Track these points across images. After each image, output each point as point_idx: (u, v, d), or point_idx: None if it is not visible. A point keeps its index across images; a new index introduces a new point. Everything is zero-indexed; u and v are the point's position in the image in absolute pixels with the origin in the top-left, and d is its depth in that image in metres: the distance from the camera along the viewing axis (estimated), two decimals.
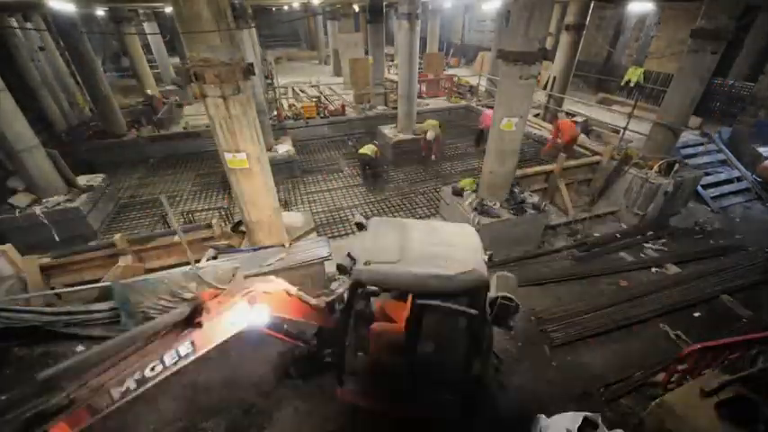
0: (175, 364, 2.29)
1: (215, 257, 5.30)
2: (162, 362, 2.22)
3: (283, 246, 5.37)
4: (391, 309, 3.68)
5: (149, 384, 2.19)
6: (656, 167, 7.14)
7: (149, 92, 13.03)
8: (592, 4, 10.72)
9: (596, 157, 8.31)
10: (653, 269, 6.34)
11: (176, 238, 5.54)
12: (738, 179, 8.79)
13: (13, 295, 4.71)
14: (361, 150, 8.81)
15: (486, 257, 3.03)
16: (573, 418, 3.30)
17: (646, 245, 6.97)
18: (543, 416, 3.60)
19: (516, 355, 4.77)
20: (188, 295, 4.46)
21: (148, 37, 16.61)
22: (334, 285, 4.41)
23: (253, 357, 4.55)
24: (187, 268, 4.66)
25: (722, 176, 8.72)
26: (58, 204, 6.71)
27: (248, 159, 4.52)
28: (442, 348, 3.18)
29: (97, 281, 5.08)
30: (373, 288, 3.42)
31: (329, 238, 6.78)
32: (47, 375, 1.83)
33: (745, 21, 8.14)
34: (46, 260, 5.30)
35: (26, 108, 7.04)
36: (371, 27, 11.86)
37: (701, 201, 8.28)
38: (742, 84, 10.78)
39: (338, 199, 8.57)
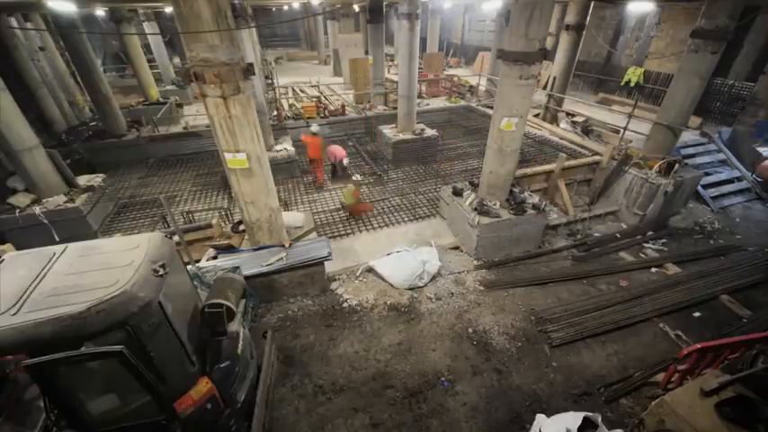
0: None
1: (215, 257, 5.31)
2: None
3: (283, 246, 5.38)
4: None
5: None
6: (656, 167, 7.15)
7: None
8: (592, 4, 10.73)
9: (596, 157, 8.32)
10: (653, 269, 6.34)
11: (176, 238, 5.54)
12: (738, 179, 8.80)
13: None
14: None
15: (158, 267, 2.55)
16: (573, 418, 3.30)
17: (646, 245, 6.97)
18: (543, 416, 3.61)
19: (516, 354, 4.77)
20: None
21: (148, 37, 16.62)
22: None
23: None
24: (187, 268, 4.65)
25: (722, 176, 8.73)
26: (58, 204, 6.71)
27: (248, 159, 4.53)
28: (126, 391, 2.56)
29: None
30: None
31: (329, 238, 6.78)
32: None
33: (745, 21, 8.13)
34: None
35: (26, 108, 7.04)
36: (371, 27, 11.85)
37: (701, 201, 8.29)
38: (742, 84, 10.77)
39: (338, 199, 8.56)
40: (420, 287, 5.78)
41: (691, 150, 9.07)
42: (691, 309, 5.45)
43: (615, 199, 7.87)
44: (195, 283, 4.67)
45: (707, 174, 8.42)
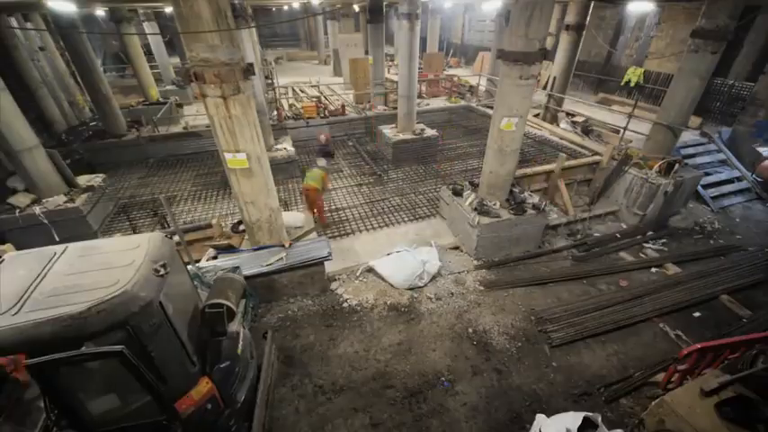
0: None
1: (215, 257, 5.31)
2: None
3: (283, 246, 5.38)
4: None
5: None
6: (656, 167, 7.15)
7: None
8: (592, 4, 10.73)
9: (596, 157, 8.32)
10: (653, 269, 6.34)
11: (176, 238, 5.54)
12: (738, 179, 8.80)
13: None
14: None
15: (159, 267, 2.54)
16: (573, 418, 3.31)
17: (646, 245, 6.97)
18: (543, 416, 3.61)
19: (516, 354, 4.77)
20: None
21: (148, 37, 16.62)
22: None
23: None
24: (187, 268, 4.65)
25: (722, 176, 8.73)
26: (58, 204, 6.71)
27: (248, 159, 4.53)
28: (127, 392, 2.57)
29: None
30: None
31: (329, 238, 6.78)
32: None
33: (745, 21, 8.13)
34: None
35: (26, 108, 7.04)
36: (371, 27, 11.86)
37: (701, 201, 8.29)
38: (742, 84, 10.78)
39: (338, 199, 8.57)
40: (420, 287, 5.79)
41: (691, 150, 9.08)
42: (691, 309, 5.45)
43: (615, 199, 7.87)
44: (195, 283, 4.68)
45: (707, 174, 8.42)
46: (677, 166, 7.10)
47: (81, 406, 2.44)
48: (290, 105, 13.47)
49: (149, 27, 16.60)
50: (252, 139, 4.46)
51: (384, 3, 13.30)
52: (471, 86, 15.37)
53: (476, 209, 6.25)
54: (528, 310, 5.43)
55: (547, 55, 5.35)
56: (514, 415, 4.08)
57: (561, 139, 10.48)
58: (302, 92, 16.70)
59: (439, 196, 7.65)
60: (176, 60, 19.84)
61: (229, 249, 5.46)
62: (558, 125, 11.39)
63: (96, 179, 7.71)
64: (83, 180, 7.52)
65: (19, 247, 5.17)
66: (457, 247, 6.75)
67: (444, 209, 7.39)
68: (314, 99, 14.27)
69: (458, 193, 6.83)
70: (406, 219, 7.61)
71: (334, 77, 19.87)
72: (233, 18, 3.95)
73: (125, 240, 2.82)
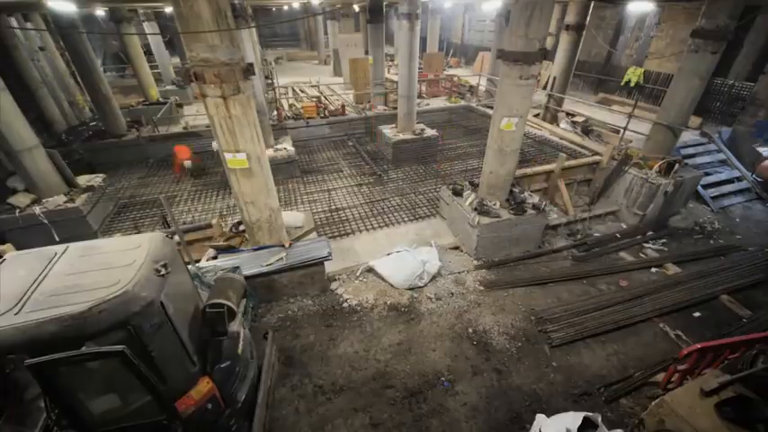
0: None
1: (215, 257, 5.31)
2: None
3: (283, 246, 5.38)
4: None
5: None
6: (656, 167, 7.15)
7: None
8: (592, 4, 10.73)
9: (596, 157, 8.32)
10: (653, 269, 6.34)
11: (176, 238, 5.54)
12: (738, 179, 8.80)
13: None
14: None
15: (160, 267, 2.53)
16: (573, 418, 3.31)
17: (646, 245, 6.97)
18: (543, 416, 3.61)
19: (516, 354, 4.77)
20: None
21: (148, 37, 16.62)
22: None
23: None
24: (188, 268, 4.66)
25: (722, 176, 8.73)
26: (58, 204, 6.71)
27: (248, 159, 4.53)
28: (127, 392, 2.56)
29: None
30: None
31: (329, 238, 6.78)
32: None
33: (745, 21, 8.13)
34: None
35: (26, 108, 7.04)
36: (371, 27, 11.85)
37: (701, 201, 8.29)
38: (742, 84, 10.78)
39: (338, 199, 8.57)
40: (420, 287, 5.79)
41: (691, 150, 9.08)
42: (691, 309, 5.45)
43: (615, 199, 7.87)
44: (195, 283, 4.68)
45: (707, 174, 8.42)
46: (677, 166, 7.10)
47: (81, 406, 2.44)
48: (290, 105, 13.47)
49: (149, 27, 16.59)
50: (252, 139, 4.46)
51: (384, 3, 13.30)
52: (471, 86, 15.37)
53: (476, 209, 6.25)
54: (528, 310, 5.44)
55: (547, 55, 5.35)
56: (514, 415, 4.08)
57: (561, 139, 10.48)
58: (302, 92, 16.70)
59: (439, 196, 7.65)
60: (176, 60, 19.83)
61: (229, 249, 5.46)
62: (558, 125, 11.39)
63: (96, 179, 7.71)
64: (83, 180, 7.53)
65: (19, 248, 5.17)
66: (457, 247, 6.75)
67: (444, 209, 7.39)
68: (314, 99, 14.28)
69: (458, 193, 6.83)
70: (406, 219, 7.61)
71: (334, 77, 19.87)
72: (233, 18, 3.95)
73: (126, 240, 2.82)
